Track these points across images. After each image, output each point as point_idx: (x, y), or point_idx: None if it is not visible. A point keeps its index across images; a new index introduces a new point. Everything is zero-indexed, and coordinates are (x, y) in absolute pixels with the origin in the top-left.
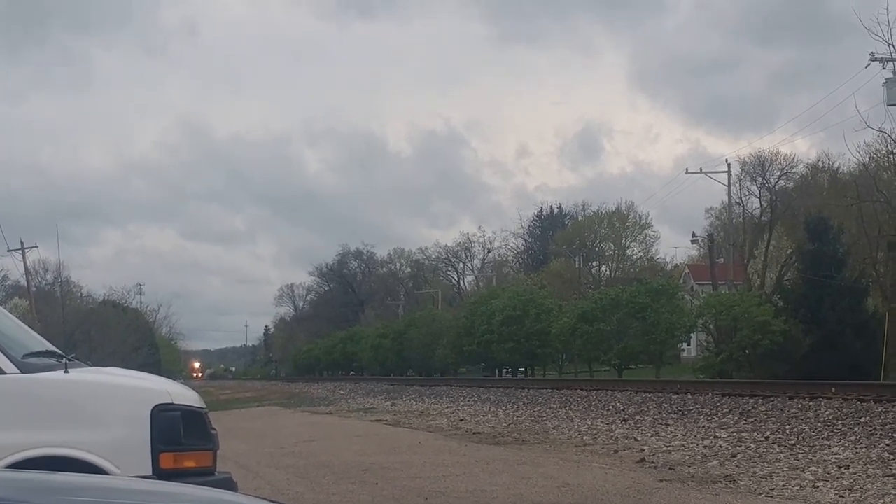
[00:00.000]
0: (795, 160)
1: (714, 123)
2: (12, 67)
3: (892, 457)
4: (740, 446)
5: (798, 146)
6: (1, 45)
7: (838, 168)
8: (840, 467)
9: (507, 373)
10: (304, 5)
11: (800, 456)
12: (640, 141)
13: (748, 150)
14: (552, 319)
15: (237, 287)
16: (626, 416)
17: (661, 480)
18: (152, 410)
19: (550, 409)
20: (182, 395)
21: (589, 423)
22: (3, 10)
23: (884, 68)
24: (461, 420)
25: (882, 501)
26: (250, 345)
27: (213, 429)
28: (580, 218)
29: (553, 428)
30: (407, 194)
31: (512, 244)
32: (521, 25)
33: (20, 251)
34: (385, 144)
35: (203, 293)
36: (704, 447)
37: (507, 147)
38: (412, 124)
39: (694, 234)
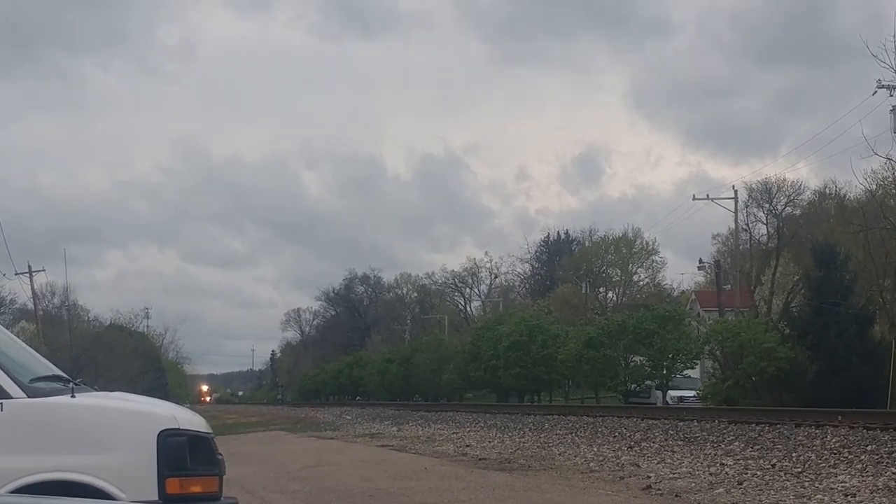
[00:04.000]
0: (802, 187)
1: (715, 147)
2: (7, 88)
3: None
4: (746, 474)
5: (801, 171)
6: None
7: (845, 195)
8: (847, 496)
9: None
10: (303, 26)
11: (806, 484)
12: (640, 164)
13: (750, 174)
14: (559, 345)
15: (243, 311)
16: (633, 443)
17: None
18: (159, 435)
19: (557, 435)
20: (188, 420)
21: (595, 449)
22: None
23: (891, 95)
24: (467, 446)
25: None
26: (256, 369)
27: (220, 454)
28: (587, 243)
29: (559, 454)
30: (408, 218)
31: (519, 269)
32: (522, 48)
33: (27, 274)
34: (385, 167)
35: (208, 317)
36: (711, 474)
37: (507, 170)
38: (412, 147)
39: (701, 261)
